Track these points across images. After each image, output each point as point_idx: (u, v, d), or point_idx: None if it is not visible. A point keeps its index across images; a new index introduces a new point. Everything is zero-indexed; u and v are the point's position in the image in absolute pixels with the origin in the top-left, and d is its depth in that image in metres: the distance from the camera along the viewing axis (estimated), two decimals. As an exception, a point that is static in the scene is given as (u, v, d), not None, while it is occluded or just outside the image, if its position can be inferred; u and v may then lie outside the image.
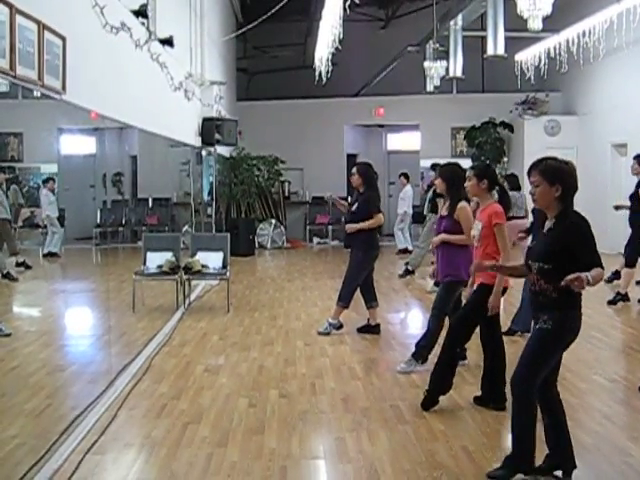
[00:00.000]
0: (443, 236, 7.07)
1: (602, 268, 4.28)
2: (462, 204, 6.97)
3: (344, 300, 8.99)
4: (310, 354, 8.15)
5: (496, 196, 6.29)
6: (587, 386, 6.88)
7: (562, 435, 4.70)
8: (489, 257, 5.96)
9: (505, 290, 6.13)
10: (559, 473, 4.69)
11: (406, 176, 18.09)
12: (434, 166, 15.71)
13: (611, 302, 10.91)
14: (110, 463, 5.13)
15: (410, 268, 13.92)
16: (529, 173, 4.60)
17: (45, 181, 11.37)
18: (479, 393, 6.33)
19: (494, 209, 6.05)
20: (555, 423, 4.71)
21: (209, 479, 4.80)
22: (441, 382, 6.20)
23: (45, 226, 11.31)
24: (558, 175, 4.51)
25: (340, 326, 9.12)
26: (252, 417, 6.02)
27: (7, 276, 10.21)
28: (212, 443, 5.43)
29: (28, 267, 10.79)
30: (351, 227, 8.81)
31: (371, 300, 9.13)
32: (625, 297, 10.97)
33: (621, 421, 5.86)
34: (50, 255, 12.17)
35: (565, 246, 4.38)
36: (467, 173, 6.30)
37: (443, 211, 7.25)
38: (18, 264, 10.58)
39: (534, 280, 4.60)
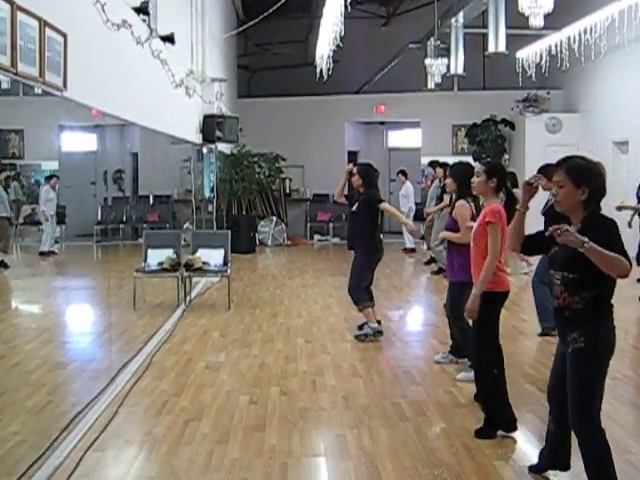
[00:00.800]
0: (444, 234, 7.11)
1: (630, 264, 3.83)
2: (460, 202, 6.94)
3: (362, 302, 8.67)
4: (311, 351, 8.16)
5: (503, 198, 5.95)
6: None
7: (566, 441, 4.52)
8: (484, 258, 5.58)
9: (507, 295, 5.79)
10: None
11: (404, 173, 18.02)
12: (432, 163, 15.74)
13: None
14: (111, 460, 5.13)
15: (442, 266, 13.73)
16: (554, 171, 4.19)
17: (48, 178, 11.37)
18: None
19: (492, 207, 5.70)
20: (563, 425, 4.44)
21: (210, 476, 4.80)
22: (500, 413, 5.61)
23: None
24: (586, 176, 4.06)
25: (380, 331, 8.72)
26: (253, 414, 6.03)
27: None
28: (213, 440, 5.43)
29: (6, 267, 10.76)
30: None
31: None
32: None
33: (623, 419, 5.86)
34: (47, 254, 12.16)
35: (605, 243, 3.84)
36: (476, 169, 6.02)
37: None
38: None
39: (557, 293, 4.18)
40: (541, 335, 8.54)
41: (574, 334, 4.09)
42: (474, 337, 5.74)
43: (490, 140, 20.79)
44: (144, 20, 8.54)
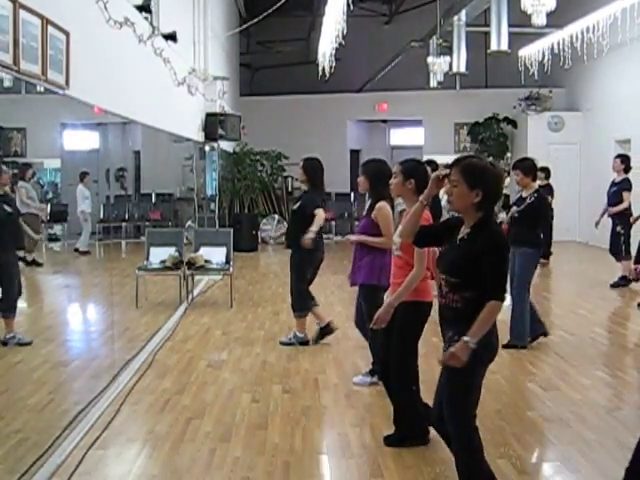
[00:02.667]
0: (361, 237, 6.59)
1: (501, 300, 3.79)
2: (381, 204, 6.46)
3: (301, 310, 8.33)
4: (313, 349, 8.15)
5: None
6: (590, 382, 6.87)
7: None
8: (410, 268, 5.12)
9: (431, 305, 5.22)
10: None
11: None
12: (429, 163, 15.71)
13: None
14: (113, 458, 5.13)
15: None
16: (450, 168, 4.03)
17: (81, 176, 11.39)
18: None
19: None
20: None
21: (212, 474, 4.80)
22: (411, 429, 5.34)
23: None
24: (481, 178, 3.90)
25: (306, 342, 8.37)
26: (255, 412, 6.02)
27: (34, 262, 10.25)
28: (215, 438, 5.43)
29: (39, 265, 10.81)
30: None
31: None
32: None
33: (624, 417, 5.85)
34: (82, 252, 12.20)
35: (477, 260, 3.79)
36: (394, 169, 5.49)
37: (365, 211, 6.77)
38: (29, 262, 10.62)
39: (440, 290, 4.04)
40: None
41: (451, 332, 3.94)
42: (397, 351, 5.25)
43: (492, 138, 20.82)
44: (146, 18, 8.54)
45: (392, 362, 5.30)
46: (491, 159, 19.45)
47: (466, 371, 3.82)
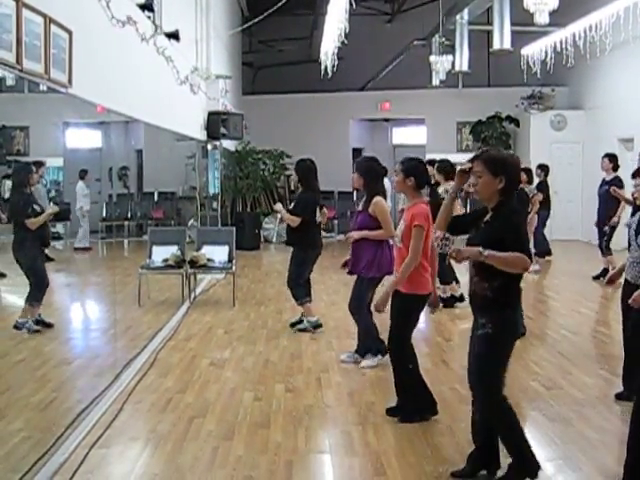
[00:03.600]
0: (362, 232, 7.11)
1: (529, 258, 4.16)
2: (377, 199, 7.07)
3: (301, 298, 8.83)
4: (316, 348, 8.15)
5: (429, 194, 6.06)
6: (593, 381, 6.86)
7: (492, 433, 4.56)
8: None
9: (427, 297, 5.81)
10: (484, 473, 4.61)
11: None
12: (430, 162, 15.70)
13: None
14: (116, 457, 5.14)
15: None
16: (472, 162, 4.43)
17: (81, 173, 11.40)
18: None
19: (419, 209, 5.70)
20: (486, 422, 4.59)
21: (215, 473, 4.80)
22: (412, 401, 5.83)
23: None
24: (502, 166, 4.33)
25: (319, 324, 9.00)
26: (258, 411, 6.03)
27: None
28: (218, 437, 5.43)
29: (50, 259, 10.82)
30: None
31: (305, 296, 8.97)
32: None
33: (627, 416, 5.83)
34: (83, 249, 12.22)
35: (500, 238, 4.19)
36: (396, 167, 6.03)
37: (360, 207, 7.32)
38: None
39: (470, 279, 4.46)
40: None
41: (483, 320, 4.37)
42: (394, 335, 5.80)
43: (495, 137, 20.78)
44: (149, 17, 8.54)
45: (390, 346, 5.92)
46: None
47: (493, 353, 4.37)
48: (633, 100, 16.36)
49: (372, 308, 5.86)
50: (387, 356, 7.20)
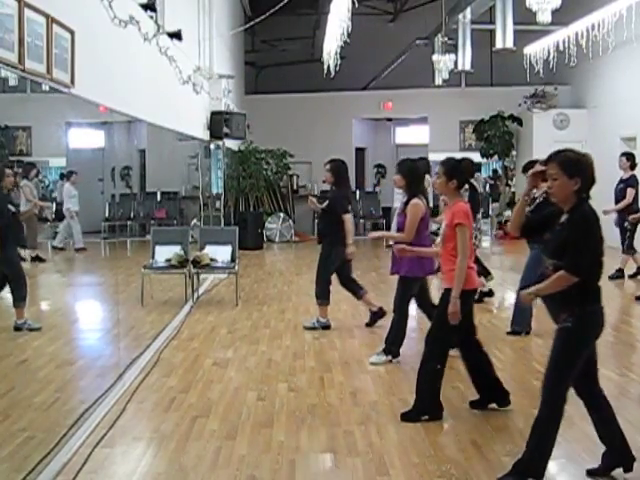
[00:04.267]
0: (380, 233, 7.34)
1: (572, 273, 4.21)
2: (414, 201, 7.09)
3: (322, 298, 9.02)
4: (319, 348, 8.15)
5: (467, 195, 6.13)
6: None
7: (615, 429, 4.63)
8: (454, 259, 5.64)
9: (474, 291, 6.00)
10: (619, 471, 4.64)
11: None
12: (422, 159, 15.68)
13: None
14: (119, 456, 5.14)
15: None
16: (546, 164, 4.44)
17: (67, 175, 11.37)
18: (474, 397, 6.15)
19: (459, 207, 5.71)
20: (604, 418, 4.66)
21: (218, 472, 4.80)
22: (428, 401, 5.84)
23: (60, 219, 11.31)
24: (577, 167, 4.35)
25: (328, 326, 9.07)
26: (261, 410, 6.03)
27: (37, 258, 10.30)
28: (221, 436, 5.44)
29: (42, 260, 10.81)
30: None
31: (359, 289, 9.17)
32: None
33: (632, 415, 5.83)
34: (79, 250, 12.22)
35: (572, 241, 4.26)
36: (437, 169, 5.95)
37: (400, 209, 7.48)
38: (32, 259, 10.62)
39: (546, 275, 4.43)
40: (509, 334, 8.58)
41: (565, 315, 4.38)
42: (433, 333, 5.83)
43: (498, 136, 20.75)
44: (151, 17, 8.54)
45: (427, 339, 5.84)
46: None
47: (572, 346, 4.39)
48: (636, 99, 16.33)
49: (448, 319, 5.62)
50: (397, 359, 7.46)
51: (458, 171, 5.86)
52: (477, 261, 9.86)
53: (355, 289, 9.15)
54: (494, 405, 5.97)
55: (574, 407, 5.83)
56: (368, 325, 9.12)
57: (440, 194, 6.43)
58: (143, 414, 6.03)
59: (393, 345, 7.46)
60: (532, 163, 6.95)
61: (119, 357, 7.57)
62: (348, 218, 8.79)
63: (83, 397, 6.41)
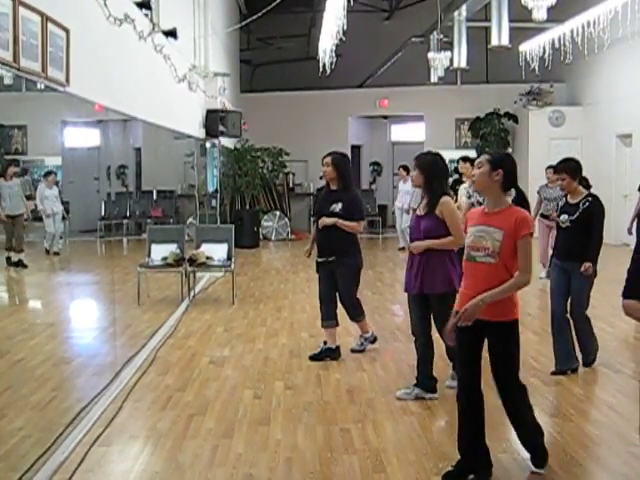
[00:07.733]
0: (430, 242, 6.01)
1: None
2: (445, 198, 6.04)
3: (357, 316, 7.82)
4: (315, 345, 8.13)
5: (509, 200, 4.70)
6: (592, 377, 6.87)
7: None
8: (507, 272, 4.48)
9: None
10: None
11: (405, 168, 17.55)
12: (465, 159, 15.57)
13: None
14: (116, 455, 5.14)
15: None
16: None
17: (45, 175, 11.35)
18: None
19: (522, 214, 4.49)
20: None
21: (214, 471, 4.80)
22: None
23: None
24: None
25: (375, 338, 8.04)
26: (257, 408, 6.03)
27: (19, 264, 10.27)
28: (217, 435, 5.44)
29: (25, 266, 10.78)
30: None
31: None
32: None
33: (626, 411, 5.84)
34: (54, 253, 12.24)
35: None
36: (479, 159, 4.70)
37: (419, 210, 6.24)
38: (14, 263, 10.59)
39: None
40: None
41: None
42: (504, 369, 4.60)
43: (493, 134, 20.79)
44: (146, 15, 8.53)
45: (500, 384, 4.67)
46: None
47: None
48: (631, 96, 16.36)
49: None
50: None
51: (506, 164, 4.66)
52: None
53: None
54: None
55: (571, 404, 5.87)
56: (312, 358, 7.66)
57: (480, 190, 4.96)
58: (140, 412, 6.02)
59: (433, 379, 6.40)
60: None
61: (115, 356, 7.57)
62: (362, 225, 7.57)
63: (79, 396, 6.42)
